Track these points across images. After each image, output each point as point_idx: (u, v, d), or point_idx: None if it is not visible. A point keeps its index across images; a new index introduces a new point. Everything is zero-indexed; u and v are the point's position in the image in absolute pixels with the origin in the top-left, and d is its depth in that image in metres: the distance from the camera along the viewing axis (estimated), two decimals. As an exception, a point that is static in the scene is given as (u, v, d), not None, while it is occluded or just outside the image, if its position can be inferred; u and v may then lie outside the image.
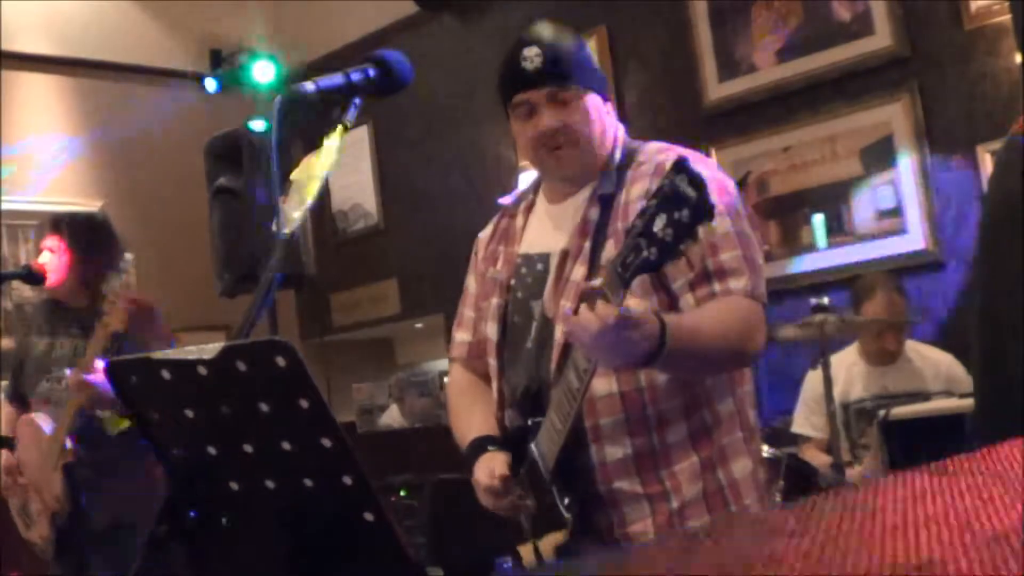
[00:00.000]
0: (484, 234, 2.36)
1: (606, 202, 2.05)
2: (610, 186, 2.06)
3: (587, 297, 1.71)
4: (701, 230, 1.91)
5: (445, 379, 7.06)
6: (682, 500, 1.98)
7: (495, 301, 2.19)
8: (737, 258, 1.96)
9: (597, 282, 1.71)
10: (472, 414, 2.22)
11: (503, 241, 2.27)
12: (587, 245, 2.04)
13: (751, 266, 1.98)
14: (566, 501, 1.97)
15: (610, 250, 1.97)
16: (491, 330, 2.18)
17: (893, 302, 4.11)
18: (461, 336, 2.32)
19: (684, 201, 1.59)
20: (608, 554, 0.60)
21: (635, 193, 2.01)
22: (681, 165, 1.62)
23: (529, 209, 2.24)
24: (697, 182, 1.59)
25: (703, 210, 1.59)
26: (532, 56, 2.04)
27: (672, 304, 1.97)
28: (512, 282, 2.17)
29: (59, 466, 3.41)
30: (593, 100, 2.08)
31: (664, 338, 1.76)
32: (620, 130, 2.16)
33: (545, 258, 2.12)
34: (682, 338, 1.80)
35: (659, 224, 1.61)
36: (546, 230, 2.15)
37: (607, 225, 2.03)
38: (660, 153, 2.08)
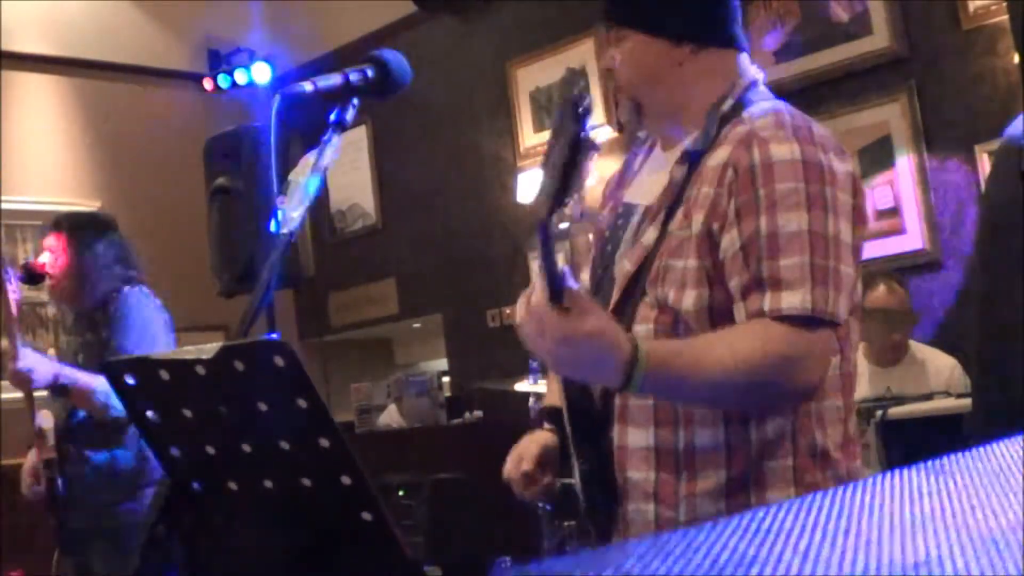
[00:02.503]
0: (613, 171, 2.11)
1: (695, 161, 1.79)
2: (701, 144, 1.79)
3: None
4: (766, 223, 1.65)
5: (444, 379, 7.07)
6: (692, 516, 1.73)
7: (592, 252, 1.99)
8: (800, 266, 1.63)
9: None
10: (553, 377, 2.05)
11: (619, 182, 2.03)
12: (665, 207, 1.80)
13: (817, 276, 1.64)
14: (583, 483, 1.83)
15: (680, 217, 1.76)
16: (584, 277, 1.97)
17: (895, 292, 4.12)
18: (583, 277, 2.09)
19: (563, 132, 1.44)
20: (605, 553, 0.60)
21: (716, 159, 1.75)
22: (570, 78, 1.51)
23: (651, 148, 1.98)
24: (579, 112, 1.43)
25: (580, 142, 1.42)
26: None
27: (728, 301, 1.70)
28: (607, 232, 1.94)
29: (39, 460, 3.42)
30: (637, 40, 1.83)
31: (634, 367, 1.54)
32: (740, 81, 1.86)
33: (633, 209, 1.89)
34: (667, 369, 1.58)
35: (554, 155, 1.45)
36: (652, 178, 1.89)
37: (685, 188, 1.78)
38: (762, 117, 1.77)
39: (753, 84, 1.87)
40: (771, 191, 1.67)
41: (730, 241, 1.69)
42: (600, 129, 6.06)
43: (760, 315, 1.64)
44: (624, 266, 1.82)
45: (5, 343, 3.36)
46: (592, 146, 1.44)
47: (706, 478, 1.73)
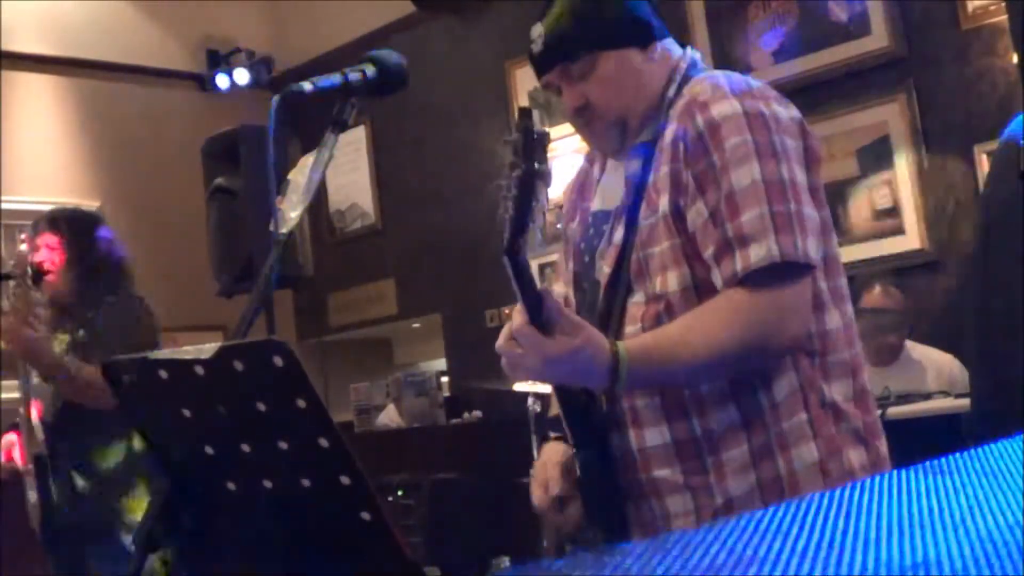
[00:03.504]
0: (569, 182, 2.12)
1: (648, 151, 1.82)
2: (652, 132, 1.83)
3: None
4: (723, 186, 1.68)
5: (443, 379, 7.07)
6: (727, 495, 1.74)
7: (570, 265, 2.00)
8: (760, 217, 1.66)
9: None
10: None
11: (581, 192, 2.03)
12: (628, 203, 1.83)
13: (779, 223, 1.66)
14: (583, 488, 1.82)
15: (644, 206, 1.79)
16: (570, 296, 2.00)
17: (890, 294, 4.13)
18: (558, 290, 2.08)
19: (517, 165, 1.47)
20: (603, 553, 0.60)
21: (668, 137, 1.78)
22: (521, 114, 1.48)
23: (606, 157, 2.00)
24: (530, 140, 1.46)
25: (532, 172, 1.46)
26: (536, 37, 1.87)
27: (709, 276, 1.73)
28: (582, 245, 1.94)
29: (31, 455, 3.41)
30: (613, 59, 1.83)
31: (618, 368, 1.61)
32: (682, 64, 1.88)
33: (608, 216, 1.89)
34: (648, 362, 1.64)
35: (512, 179, 1.49)
36: (617, 183, 1.89)
37: (645, 178, 1.80)
38: (698, 84, 1.81)
39: (692, 64, 1.90)
40: (722, 153, 1.70)
41: (697, 212, 1.72)
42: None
43: (734, 277, 1.67)
44: (602, 270, 1.84)
45: (11, 320, 3.33)
46: (547, 178, 1.48)
47: (731, 457, 1.74)
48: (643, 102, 1.85)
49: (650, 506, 1.80)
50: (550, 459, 1.88)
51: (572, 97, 1.85)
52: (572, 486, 1.84)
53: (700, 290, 1.73)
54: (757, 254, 1.65)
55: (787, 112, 1.76)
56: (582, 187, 2.03)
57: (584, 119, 1.86)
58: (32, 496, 3.45)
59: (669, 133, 1.78)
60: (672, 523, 1.78)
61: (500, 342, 1.63)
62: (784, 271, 1.66)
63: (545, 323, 1.57)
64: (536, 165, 1.48)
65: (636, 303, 1.78)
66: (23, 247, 3.53)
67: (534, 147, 1.49)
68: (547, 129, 1.52)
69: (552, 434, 1.93)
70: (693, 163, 1.73)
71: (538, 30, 1.87)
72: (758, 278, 1.66)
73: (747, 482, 1.73)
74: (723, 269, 1.69)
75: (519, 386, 4.68)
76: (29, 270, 3.43)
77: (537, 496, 1.87)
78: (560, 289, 2.08)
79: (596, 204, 1.95)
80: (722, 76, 1.82)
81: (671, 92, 1.85)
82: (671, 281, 1.74)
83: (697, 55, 1.94)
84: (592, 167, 2.03)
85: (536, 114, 1.62)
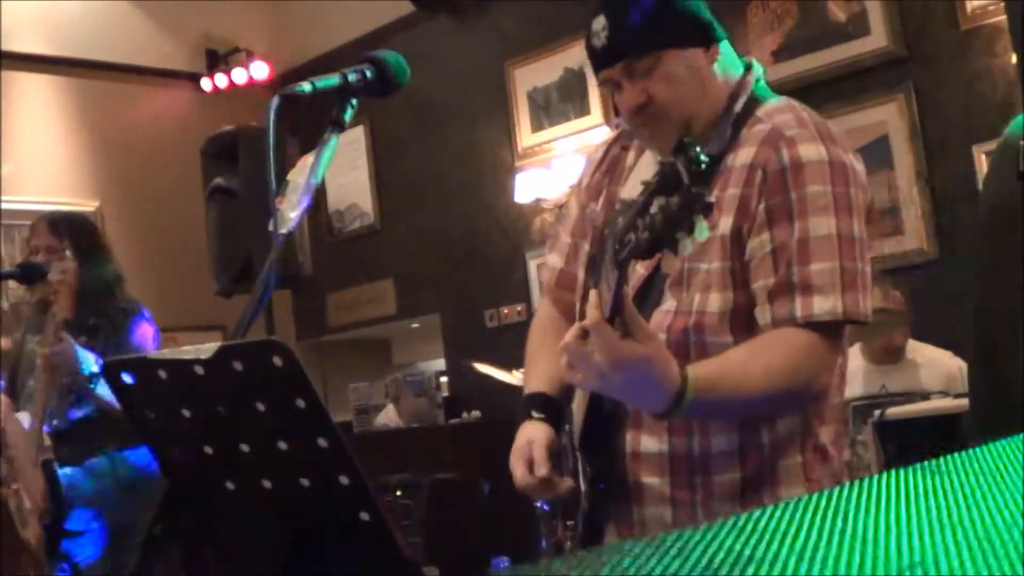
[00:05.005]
0: (594, 156, 2.05)
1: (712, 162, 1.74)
2: (717, 145, 1.78)
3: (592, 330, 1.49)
4: (797, 228, 1.66)
5: (442, 379, 7.08)
6: (709, 518, 1.73)
7: (586, 248, 1.96)
8: (831, 271, 1.66)
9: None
10: (538, 360, 2.00)
11: (609, 174, 1.98)
12: None
13: (848, 280, 1.67)
14: (588, 477, 1.80)
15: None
16: (581, 277, 1.96)
17: (890, 294, 4.12)
18: (553, 260, 2.07)
19: (677, 186, 1.33)
20: (602, 553, 0.61)
21: (741, 159, 1.75)
22: (682, 144, 1.36)
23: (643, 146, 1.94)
24: (695, 168, 1.34)
25: (694, 202, 1.32)
26: (599, 31, 1.80)
27: (749, 305, 1.71)
28: (605, 229, 1.80)
29: (38, 462, 3.39)
30: (679, 57, 1.78)
31: (684, 391, 1.54)
32: (748, 78, 1.85)
33: None
34: (712, 393, 1.58)
35: (655, 206, 1.36)
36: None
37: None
38: (780, 114, 1.78)
39: (758, 79, 1.87)
40: (802, 195, 1.69)
41: (760, 243, 1.70)
42: (599, 129, 6.06)
43: (790, 320, 1.66)
44: (636, 270, 1.78)
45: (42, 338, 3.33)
46: (708, 211, 1.34)
47: (721, 481, 1.74)
48: (706, 104, 1.81)
49: (628, 511, 1.79)
50: (536, 439, 1.85)
51: (634, 94, 1.79)
52: (558, 471, 1.82)
53: (735, 317, 1.72)
54: (822, 307, 1.65)
55: (859, 164, 1.77)
56: (611, 170, 1.98)
57: (643, 117, 1.81)
58: (28, 503, 3.44)
59: (744, 155, 1.75)
60: (647, 532, 1.75)
61: (568, 339, 1.53)
62: (840, 326, 1.69)
63: (624, 325, 1.49)
64: (701, 196, 1.34)
65: (665, 311, 1.75)
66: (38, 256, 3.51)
67: (702, 177, 1.37)
68: (706, 159, 1.38)
69: (535, 414, 1.89)
70: (769, 195, 1.71)
71: (600, 23, 1.80)
72: (817, 326, 1.66)
73: (731, 510, 1.69)
74: (777, 309, 1.68)
75: (502, 376, 4.67)
76: (53, 275, 3.40)
77: (520, 473, 1.83)
78: (555, 260, 2.05)
79: (627, 191, 1.88)
80: (804, 110, 1.81)
81: (738, 106, 1.82)
82: (712, 302, 1.72)
83: (761, 70, 1.90)
84: (625, 153, 1.98)
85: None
